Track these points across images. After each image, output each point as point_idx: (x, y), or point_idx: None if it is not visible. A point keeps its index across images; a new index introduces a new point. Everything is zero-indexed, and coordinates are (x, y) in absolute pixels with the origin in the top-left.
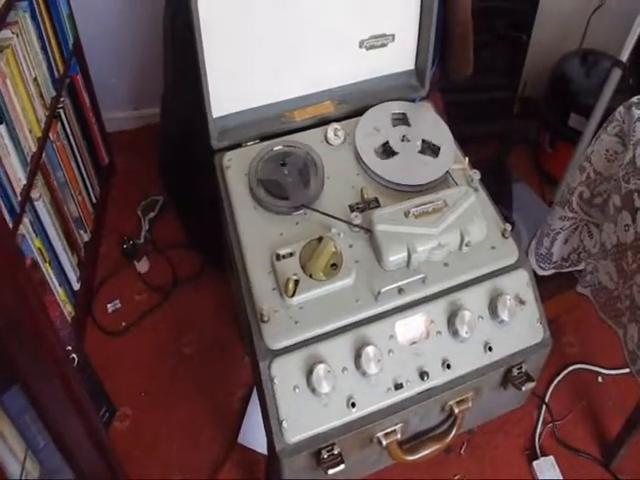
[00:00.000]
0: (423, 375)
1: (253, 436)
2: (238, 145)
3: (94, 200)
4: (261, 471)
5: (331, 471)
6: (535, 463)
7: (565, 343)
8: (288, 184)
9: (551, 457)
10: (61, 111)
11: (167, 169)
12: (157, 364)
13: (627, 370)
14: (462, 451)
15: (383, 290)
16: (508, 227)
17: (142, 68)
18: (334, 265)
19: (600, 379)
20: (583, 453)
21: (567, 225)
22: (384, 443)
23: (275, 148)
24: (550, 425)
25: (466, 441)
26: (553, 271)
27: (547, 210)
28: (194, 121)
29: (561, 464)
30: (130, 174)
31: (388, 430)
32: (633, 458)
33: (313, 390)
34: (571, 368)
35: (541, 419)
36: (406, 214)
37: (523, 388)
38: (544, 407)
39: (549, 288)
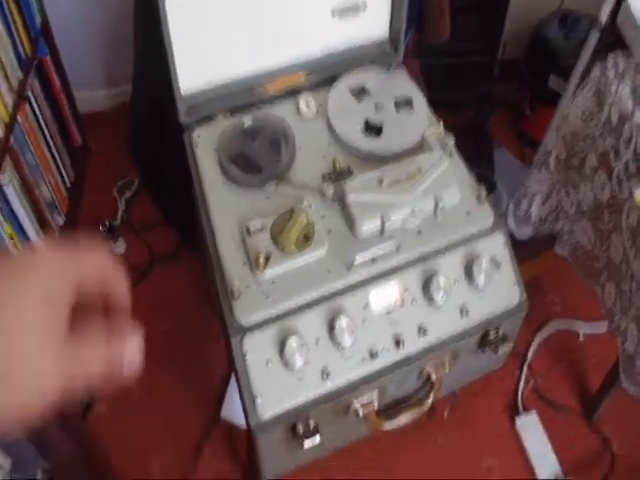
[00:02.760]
0: (399, 343)
1: (236, 410)
2: (208, 119)
3: (68, 183)
4: (244, 444)
5: (307, 442)
6: (518, 420)
7: (547, 302)
8: (258, 157)
9: (533, 412)
10: (29, 93)
11: (139, 148)
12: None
13: (606, 327)
14: (445, 415)
15: (356, 259)
16: (483, 192)
17: (114, 46)
18: (306, 237)
19: (581, 337)
20: (565, 407)
21: (544, 187)
22: (361, 413)
23: (245, 121)
24: (532, 382)
25: (448, 405)
26: (532, 233)
27: (528, 173)
28: (164, 97)
29: (543, 419)
30: (105, 154)
31: (364, 400)
32: (613, 411)
33: (286, 364)
34: (552, 326)
35: (523, 377)
36: (379, 182)
37: (500, 351)
38: (526, 366)
39: (531, 249)
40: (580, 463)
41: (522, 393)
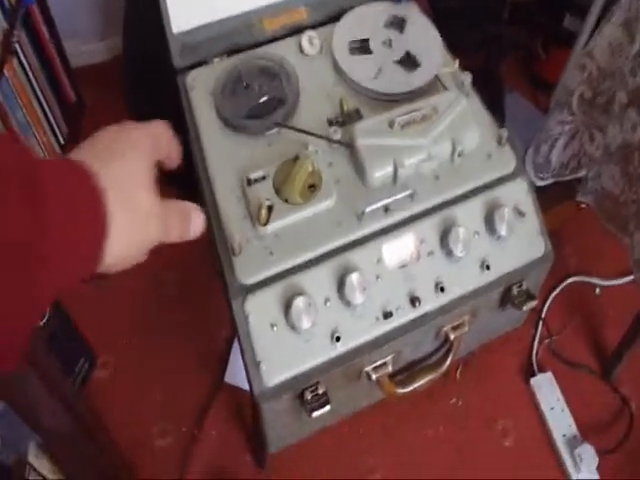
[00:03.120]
0: (414, 301)
1: (240, 374)
2: (203, 62)
3: (62, 140)
4: (249, 411)
5: (315, 413)
6: (533, 380)
7: (562, 256)
8: (258, 101)
9: (549, 373)
10: (17, 46)
11: (134, 101)
12: (138, 308)
13: (625, 280)
14: (457, 374)
15: (367, 210)
16: (504, 133)
17: None
18: (312, 186)
19: (597, 291)
20: (581, 367)
21: (567, 129)
22: (374, 377)
23: (244, 62)
24: (547, 341)
25: (461, 364)
26: (552, 180)
27: (543, 119)
28: (156, 42)
29: (559, 379)
30: (101, 110)
31: (378, 363)
32: (632, 369)
33: (292, 326)
34: (568, 281)
35: (538, 335)
36: (391, 124)
37: (524, 307)
38: (541, 323)
39: (544, 200)
40: (597, 423)
41: (537, 352)
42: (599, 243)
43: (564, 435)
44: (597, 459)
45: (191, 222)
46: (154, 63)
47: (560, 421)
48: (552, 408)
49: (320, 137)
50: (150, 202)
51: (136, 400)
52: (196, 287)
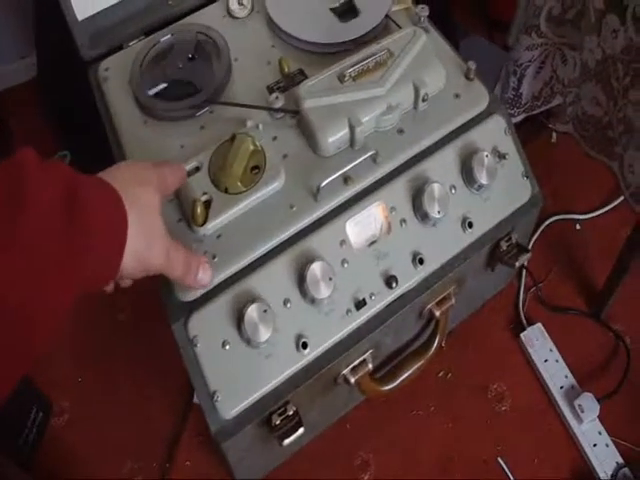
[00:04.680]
0: (390, 281)
1: None
2: (118, 49)
3: None
4: None
5: (287, 441)
6: (523, 335)
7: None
8: (184, 80)
9: (538, 324)
10: None
11: (57, 114)
12: (90, 341)
13: (605, 209)
14: (443, 344)
15: (323, 184)
16: (472, 65)
17: (19, 7)
18: (256, 168)
19: (578, 226)
20: (571, 310)
21: (536, 55)
22: (352, 380)
23: (161, 39)
24: (533, 290)
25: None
26: (523, 116)
27: (506, 56)
28: (65, 34)
29: (550, 329)
30: (30, 133)
31: (356, 363)
32: (623, 303)
33: (248, 341)
34: (547, 222)
35: (522, 287)
36: (341, 78)
37: (517, 263)
38: (524, 272)
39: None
40: (594, 368)
41: (524, 304)
42: (572, 178)
43: (561, 387)
44: (598, 406)
45: (198, 270)
46: (65, 62)
47: (555, 373)
48: (546, 361)
49: (259, 108)
50: (160, 227)
51: (100, 442)
52: (150, 310)
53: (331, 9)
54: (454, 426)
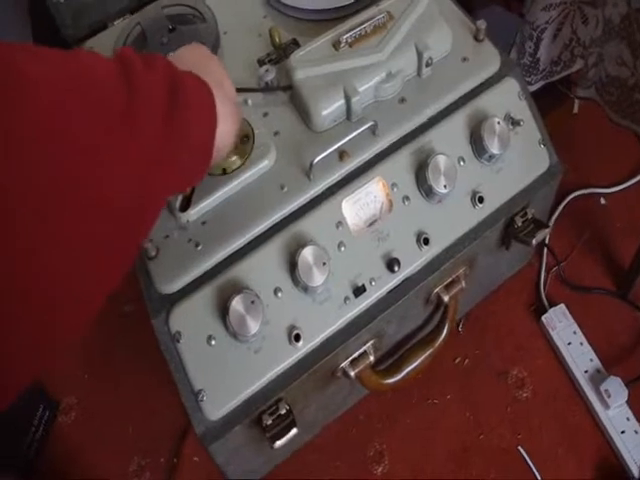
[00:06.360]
0: (392, 264)
1: None
2: (104, 27)
3: None
4: None
5: (279, 443)
6: (544, 317)
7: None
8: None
9: (561, 305)
10: None
11: None
12: (96, 335)
13: (631, 182)
14: (460, 329)
15: (316, 160)
16: (482, 25)
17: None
18: (243, 146)
19: (603, 201)
20: (595, 289)
21: (554, 15)
22: (352, 374)
23: (146, 17)
24: (555, 270)
25: (463, 317)
26: (541, 83)
27: (521, 22)
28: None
29: (573, 310)
30: None
31: (355, 355)
32: None
33: (235, 335)
34: (570, 197)
35: (543, 266)
36: (336, 45)
37: (534, 240)
38: (545, 251)
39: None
40: (621, 350)
41: (545, 285)
42: (596, 151)
43: (586, 371)
44: (626, 391)
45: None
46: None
47: (580, 356)
48: (569, 344)
49: (244, 90)
50: (234, 91)
51: (107, 439)
52: None
53: None
54: (472, 415)
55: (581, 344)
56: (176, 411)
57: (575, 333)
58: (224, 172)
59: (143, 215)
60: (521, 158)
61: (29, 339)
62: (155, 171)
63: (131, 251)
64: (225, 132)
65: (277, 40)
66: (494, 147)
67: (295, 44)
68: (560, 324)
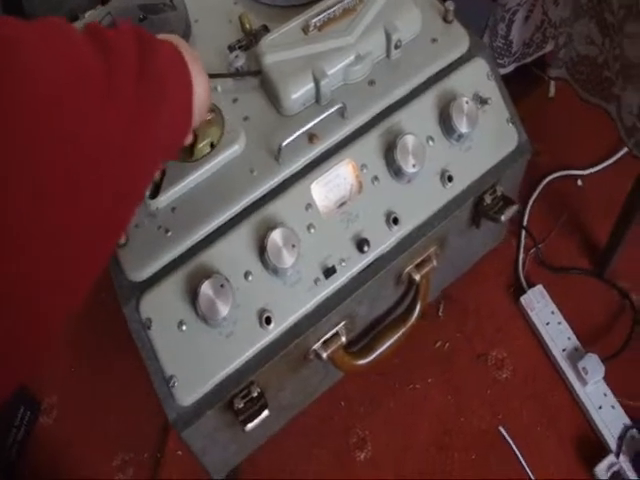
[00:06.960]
0: (362, 244)
1: None
2: (75, 19)
3: None
4: None
5: (250, 425)
6: (523, 298)
7: (534, 154)
8: None
9: (539, 286)
10: None
11: None
12: (75, 327)
13: (607, 163)
14: (440, 313)
15: (284, 143)
16: (450, 5)
17: None
18: (213, 131)
19: (580, 182)
20: (573, 269)
21: None
22: (324, 355)
23: (117, 6)
24: (533, 251)
25: (442, 300)
26: (514, 65)
27: (493, 4)
28: None
29: (551, 290)
30: None
31: (327, 336)
32: (628, 259)
33: (205, 319)
34: (546, 180)
35: (522, 248)
36: (305, 29)
37: (503, 217)
38: (523, 233)
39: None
40: (598, 328)
41: (523, 266)
42: (572, 133)
43: (564, 350)
44: (603, 367)
45: None
46: None
47: (558, 336)
48: (547, 323)
49: (214, 77)
50: (203, 69)
51: (90, 437)
52: None
53: None
54: (453, 397)
55: (559, 323)
56: (158, 406)
57: (553, 313)
58: (193, 158)
59: (134, 180)
60: (490, 137)
61: (12, 330)
62: (138, 130)
63: (125, 218)
64: (201, 94)
65: (247, 26)
66: (462, 126)
67: (265, 30)
68: (538, 304)
